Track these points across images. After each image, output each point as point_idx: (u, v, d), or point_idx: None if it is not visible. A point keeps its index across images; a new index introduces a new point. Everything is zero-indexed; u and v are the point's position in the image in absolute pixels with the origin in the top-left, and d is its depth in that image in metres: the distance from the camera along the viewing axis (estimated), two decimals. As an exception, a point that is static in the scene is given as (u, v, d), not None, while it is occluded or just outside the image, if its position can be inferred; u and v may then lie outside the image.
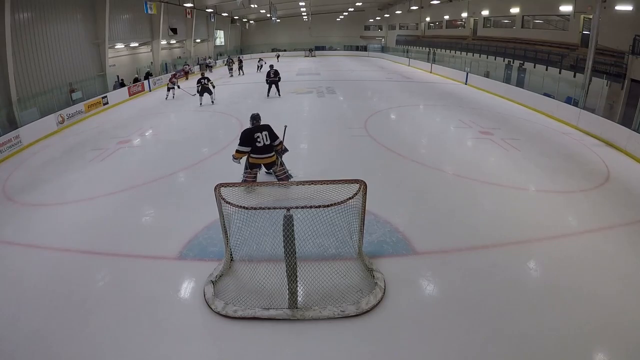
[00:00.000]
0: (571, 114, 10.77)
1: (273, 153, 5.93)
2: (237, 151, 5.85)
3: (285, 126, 6.69)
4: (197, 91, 14.20)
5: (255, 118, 5.99)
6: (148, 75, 20.55)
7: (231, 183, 3.82)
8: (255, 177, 6.05)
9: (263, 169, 6.19)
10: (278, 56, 35.42)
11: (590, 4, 12.03)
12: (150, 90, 18.84)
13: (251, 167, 5.96)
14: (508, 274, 4.18)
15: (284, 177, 6.12)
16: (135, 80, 18.83)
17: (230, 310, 3.60)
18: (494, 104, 13.84)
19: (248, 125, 6.07)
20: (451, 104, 13.64)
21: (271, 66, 15.66)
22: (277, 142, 5.94)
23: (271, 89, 15.19)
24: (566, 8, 15.40)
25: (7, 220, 5.77)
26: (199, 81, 14.16)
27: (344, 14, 39.64)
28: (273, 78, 14.98)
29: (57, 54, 13.79)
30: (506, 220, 5.29)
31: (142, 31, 20.84)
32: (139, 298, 3.89)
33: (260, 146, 5.77)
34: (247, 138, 5.77)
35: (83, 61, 15.38)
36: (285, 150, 6.37)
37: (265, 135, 5.80)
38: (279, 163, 6.12)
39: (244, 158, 6.02)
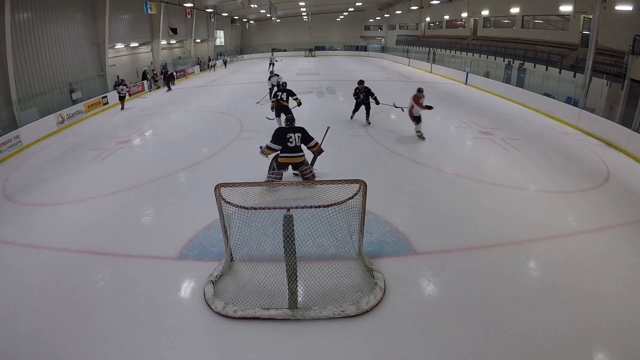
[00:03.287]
0: (571, 114, 10.77)
1: (302, 153, 5.94)
2: (267, 147, 5.87)
3: (328, 127, 6.67)
4: (272, 109, 9.75)
5: (289, 120, 6.12)
6: (169, 74, 20.26)
7: (231, 183, 3.82)
8: (281, 178, 6.03)
9: (290, 170, 6.14)
10: (225, 62, 28.23)
11: (590, 4, 12.03)
12: (150, 90, 18.83)
13: (278, 168, 5.95)
14: (508, 273, 4.18)
15: (310, 177, 6.04)
16: (144, 75, 19.09)
17: (230, 310, 3.60)
18: (494, 104, 13.83)
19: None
20: (451, 104, 13.63)
21: (360, 82, 10.27)
22: (312, 144, 5.99)
23: (358, 110, 10.47)
24: (566, 8, 15.40)
25: (7, 220, 5.77)
26: (274, 95, 9.65)
27: (344, 14, 39.67)
28: (364, 99, 10.17)
29: (57, 54, 13.78)
30: (506, 220, 5.29)
31: (142, 31, 20.82)
32: (139, 298, 3.89)
33: (291, 146, 5.81)
34: (279, 136, 5.81)
35: (83, 61, 15.37)
36: (322, 151, 6.33)
37: (298, 136, 5.83)
38: (306, 162, 6.10)
39: (271, 157, 6.05)
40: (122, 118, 13.10)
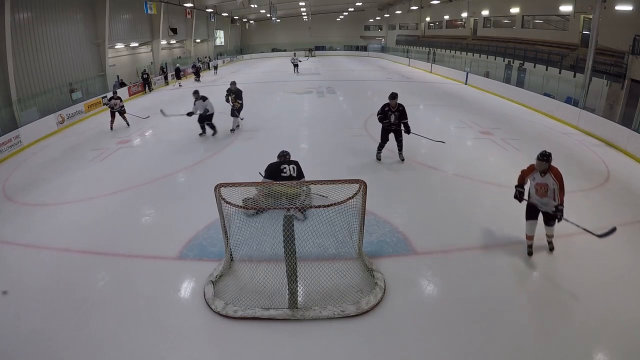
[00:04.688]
0: (571, 114, 10.77)
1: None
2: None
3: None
4: (236, 111, 9.89)
5: (284, 155, 5.75)
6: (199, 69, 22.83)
7: (231, 183, 3.82)
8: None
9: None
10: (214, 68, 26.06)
11: (590, 4, 12.03)
12: (150, 90, 18.82)
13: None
14: (508, 274, 4.18)
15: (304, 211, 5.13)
16: (177, 70, 21.83)
17: (230, 310, 3.60)
18: (494, 104, 13.84)
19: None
20: (451, 104, 13.64)
21: (393, 96, 7.00)
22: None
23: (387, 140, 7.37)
24: (566, 8, 15.41)
25: (7, 220, 5.77)
26: (237, 97, 9.87)
27: (344, 14, 39.69)
28: (395, 123, 7.07)
29: (57, 54, 13.79)
30: (506, 220, 5.28)
31: (142, 31, 20.85)
32: (139, 298, 3.89)
33: (285, 176, 5.44)
34: (272, 171, 5.49)
35: (83, 61, 15.39)
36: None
37: (293, 168, 5.52)
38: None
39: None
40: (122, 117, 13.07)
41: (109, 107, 11.11)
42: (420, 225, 5.18)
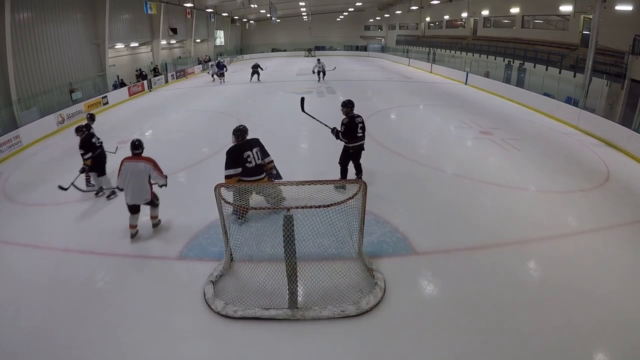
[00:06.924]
0: (571, 114, 10.77)
1: (264, 174, 5.01)
2: (226, 177, 4.84)
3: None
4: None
5: (242, 132, 4.93)
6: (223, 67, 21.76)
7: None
8: (245, 213, 4.75)
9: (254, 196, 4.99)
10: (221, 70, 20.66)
11: (590, 4, 12.03)
12: (150, 90, 18.84)
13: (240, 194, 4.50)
14: (508, 273, 4.18)
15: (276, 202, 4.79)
16: (218, 64, 21.63)
17: (230, 310, 3.61)
18: (494, 104, 13.83)
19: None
20: (451, 104, 13.63)
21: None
22: (267, 160, 5.08)
23: None
24: (566, 8, 15.41)
25: (7, 220, 5.77)
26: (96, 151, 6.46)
27: (344, 14, 39.67)
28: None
29: (57, 54, 13.79)
30: (506, 220, 5.29)
31: (142, 31, 20.84)
32: (139, 298, 3.89)
33: (250, 167, 4.80)
34: (235, 157, 4.78)
35: (83, 61, 15.39)
36: (278, 175, 5.27)
37: (257, 152, 4.89)
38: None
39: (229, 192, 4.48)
40: (122, 117, 13.09)
41: None
42: (420, 225, 5.18)
